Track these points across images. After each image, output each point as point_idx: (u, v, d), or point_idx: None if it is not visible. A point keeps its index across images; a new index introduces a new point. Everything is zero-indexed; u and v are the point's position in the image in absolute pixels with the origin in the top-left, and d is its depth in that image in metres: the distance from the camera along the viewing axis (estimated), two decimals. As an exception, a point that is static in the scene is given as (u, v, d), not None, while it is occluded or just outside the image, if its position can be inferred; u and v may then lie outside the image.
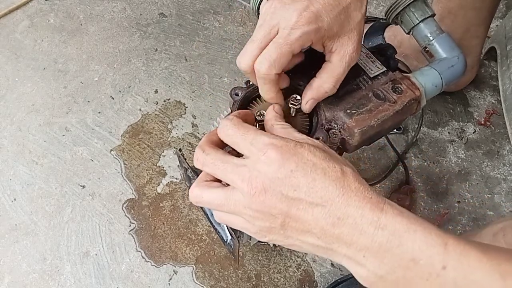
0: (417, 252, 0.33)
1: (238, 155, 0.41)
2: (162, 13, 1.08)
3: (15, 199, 0.82)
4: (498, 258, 0.33)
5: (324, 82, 0.47)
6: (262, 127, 0.49)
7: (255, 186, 0.37)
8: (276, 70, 0.44)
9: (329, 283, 0.74)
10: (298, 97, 0.50)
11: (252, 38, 0.45)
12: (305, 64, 0.53)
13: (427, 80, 0.53)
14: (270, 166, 0.36)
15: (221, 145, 0.43)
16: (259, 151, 0.37)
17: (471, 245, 0.34)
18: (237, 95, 0.51)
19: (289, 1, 0.43)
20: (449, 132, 0.91)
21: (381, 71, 0.53)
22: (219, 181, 0.42)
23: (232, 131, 0.41)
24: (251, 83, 0.53)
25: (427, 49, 0.57)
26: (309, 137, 0.41)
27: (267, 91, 0.46)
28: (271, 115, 0.45)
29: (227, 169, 0.39)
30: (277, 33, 0.43)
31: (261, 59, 0.44)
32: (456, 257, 0.33)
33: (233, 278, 0.75)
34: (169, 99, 0.95)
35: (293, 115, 0.51)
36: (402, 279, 0.34)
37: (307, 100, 0.48)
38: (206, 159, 0.41)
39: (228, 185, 0.40)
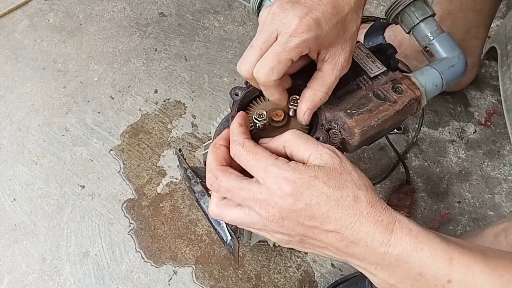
0: (423, 268, 0.36)
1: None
2: (162, 12, 1.08)
3: (14, 199, 0.82)
4: (500, 268, 0.35)
5: (316, 91, 0.47)
6: (262, 127, 0.49)
7: (272, 214, 0.39)
8: (275, 77, 0.44)
9: (329, 284, 0.74)
10: (298, 97, 0.50)
11: (251, 43, 0.45)
12: (306, 65, 0.52)
13: (428, 80, 0.53)
14: (285, 200, 0.38)
15: (229, 160, 0.44)
16: (273, 184, 0.39)
17: (475, 258, 0.36)
18: (237, 95, 0.51)
19: (288, 6, 0.43)
20: (449, 132, 0.91)
21: (381, 71, 0.52)
22: None
23: (244, 158, 0.42)
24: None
25: (428, 48, 0.57)
26: (329, 149, 0.41)
27: (271, 95, 0.47)
28: (237, 132, 0.44)
29: (244, 196, 0.40)
30: (276, 39, 0.43)
31: (259, 67, 0.44)
32: (460, 271, 0.36)
33: (233, 279, 0.75)
34: (169, 99, 0.95)
35: (292, 115, 0.51)
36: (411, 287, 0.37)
37: (304, 111, 0.48)
38: (220, 186, 0.42)
39: None
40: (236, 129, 0.44)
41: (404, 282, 0.37)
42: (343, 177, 0.40)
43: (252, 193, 0.40)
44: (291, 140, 0.43)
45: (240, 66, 0.45)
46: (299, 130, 0.50)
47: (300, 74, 0.52)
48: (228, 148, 0.44)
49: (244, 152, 0.42)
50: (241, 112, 0.47)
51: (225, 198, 0.43)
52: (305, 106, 0.47)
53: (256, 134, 0.50)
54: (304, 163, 0.40)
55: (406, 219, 0.38)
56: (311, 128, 0.51)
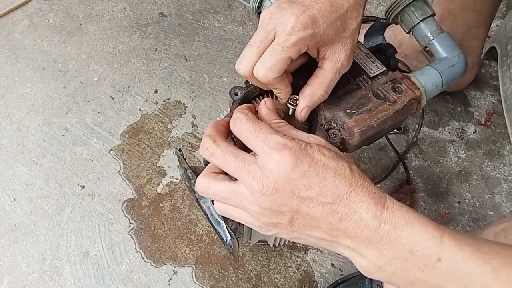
0: (414, 244, 0.36)
1: (245, 148, 0.41)
2: (162, 12, 1.08)
3: (14, 199, 0.82)
4: (490, 252, 0.35)
5: (316, 89, 0.47)
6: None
7: (266, 185, 0.37)
8: (274, 75, 0.44)
9: (329, 284, 0.74)
10: (297, 97, 0.50)
11: (250, 42, 0.45)
12: (305, 64, 0.52)
13: (428, 79, 0.53)
14: (284, 166, 0.37)
15: (227, 136, 0.44)
16: (272, 150, 0.38)
17: (466, 239, 0.36)
18: (236, 94, 0.51)
19: (286, 6, 0.44)
20: (449, 132, 0.91)
21: (381, 70, 0.52)
22: (227, 173, 0.42)
23: (245, 126, 0.41)
24: (250, 83, 0.52)
25: (428, 48, 0.56)
26: (310, 135, 0.42)
27: (276, 91, 0.48)
28: (265, 112, 0.45)
29: (238, 165, 0.39)
30: (274, 38, 0.43)
31: (258, 67, 0.44)
32: (451, 250, 0.36)
33: (233, 279, 0.75)
34: (169, 99, 0.95)
35: (292, 115, 0.51)
36: (399, 270, 0.37)
37: (302, 108, 0.48)
38: (216, 151, 0.41)
39: (235, 179, 0.40)
40: (239, 107, 0.44)
41: (393, 263, 0.36)
42: (335, 151, 0.40)
43: (247, 162, 0.39)
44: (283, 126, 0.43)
45: (238, 65, 0.46)
46: (299, 129, 0.50)
47: (300, 74, 0.52)
48: (228, 127, 0.44)
49: (246, 119, 0.41)
50: (250, 105, 0.47)
51: (216, 172, 0.42)
52: (303, 104, 0.48)
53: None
54: None
55: (394, 199, 0.38)
56: (311, 127, 0.51)
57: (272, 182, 0.37)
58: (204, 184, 0.42)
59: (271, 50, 0.43)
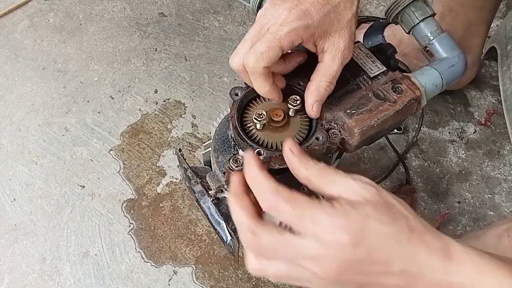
0: None
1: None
2: (162, 12, 1.08)
3: (14, 199, 0.82)
4: None
5: (320, 82, 0.47)
6: (262, 128, 0.49)
7: (329, 271, 0.35)
8: (263, 64, 0.44)
9: (329, 284, 0.74)
10: (297, 97, 0.50)
11: (244, 38, 0.46)
12: (305, 64, 0.52)
13: (428, 79, 0.53)
14: (345, 251, 0.34)
15: (256, 209, 0.38)
16: (328, 235, 0.34)
17: None
18: (236, 95, 0.51)
19: (279, 2, 0.45)
20: (449, 132, 0.91)
21: (381, 70, 0.52)
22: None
23: (283, 210, 0.36)
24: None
25: (427, 48, 0.57)
26: (357, 182, 0.37)
27: (259, 86, 0.46)
28: (293, 161, 0.39)
29: (292, 253, 0.35)
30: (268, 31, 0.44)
31: (248, 54, 0.44)
32: None
33: (233, 278, 0.75)
34: (169, 99, 0.95)
35: (292, 115, 0.51)
36: None
37: (311, 104, 0.48)
38: (261, 244, 0.37)
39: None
40: (258, 174, 0.38)
41: None
42: (390, 209, 0.36)
43: (302, 249, 0.35)
44: (316, 177, 0.38)
45: (231, 59, 0.46)
46: (298, 132, 0.50)
47: (300, 75, 0.52)
48: (248, 194, 0.39)
49: (283, 202, 0.36)
50: (251, 153, 0.41)
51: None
52: (311, 100, 0.47)
53: (256, 137, 0.50)
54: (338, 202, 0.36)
55: (453, 240, 0.36)
56: (311, 127, 0.51)
57: (336, 266, 0.34)
58: (258, 268, 0.39)
59: (263, 39, 0.44)
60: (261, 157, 0.47)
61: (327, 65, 0.46)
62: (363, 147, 0.54)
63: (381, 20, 0.94)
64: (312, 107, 0.48)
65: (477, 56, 0.88)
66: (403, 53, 0.85)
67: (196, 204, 0.67)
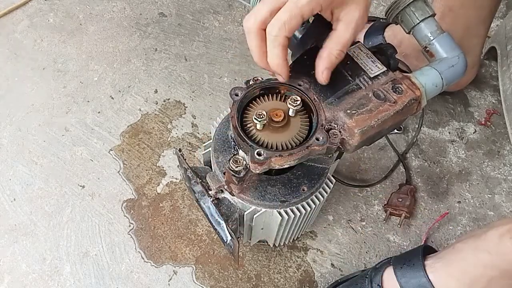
0: None
1: None
2: (162, 12, 1.08)
3: (14, 199, 0.82)
4: None
5: (332, 50, 0.48)
6: (262, 128, 0.49)
7: None
8: (286, 33, 0.45)
9: (329, 284, 0.74)
10: (297, 97, 0.50)
11: (263, 0, 0.46)
12: (305, 64, 0.53)
13: (428, 80, 0.53)
14: None
15: None
16: None
17: None
18: (237, 95, 0.51)
19: None
20: (449, 132, 0.91)
21: (381, 71, 0.52)
22: None
23: None
24: (251, 83, 0.52)
25: (428, 48, 0.57)
26: None
27: (275, 56, 0.47)
28: None
29: None
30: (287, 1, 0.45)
31: (273, 22, 0.45)
32: None
33: (233, 278, 0.75)
34: (168, 99, 0.95)
35: (292, 115, 0.51)
36: None
37: (322, 71, 0.49)
38: None
39: None
40: None
41: None
42: None
43: None
44: None
45: (248, 18, 0.47)
46: (298, 132, 0.50)
47: (300, 75, 0.52)
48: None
49: None
50: None
51: None
52: (322, 66, 0.48)
53: (256, 137, 0.50)
54: None
55: None
56: (311, 127, 0.51)
57: None
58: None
59: (286, 7, 0.45)
60: (261, 157, 0.47)
61: (340, 33, 0.47)
62: (363, 147, 0.54)
63: (381, 20, 0.94)
64: (322, 73, 0.49)
65: (477, 57, 0.88)
66: (404, 54, 0.85)
67: (196, 204, 0.67)
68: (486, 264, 0.55)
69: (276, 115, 0.50)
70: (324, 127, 0.49)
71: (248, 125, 0.50)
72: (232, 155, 0.54)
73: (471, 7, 0.78)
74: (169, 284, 0.75)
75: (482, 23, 0.81)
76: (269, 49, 0.47)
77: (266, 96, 0.52)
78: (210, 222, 0.62)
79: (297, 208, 0.58)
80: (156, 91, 0.96)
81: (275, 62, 0.47)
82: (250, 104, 0.52)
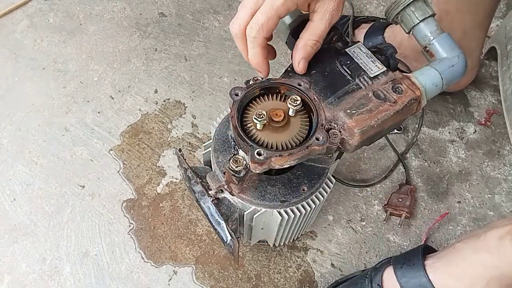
0: None
1: None
2: (161, 12, 1.08)
3: (14, 199, 0.82)
4: None
5: (307, 41, 0.50)
6: (262, 128, 0.49)
7: None
8: (264, 34, 0.48)
9: (329, 284, 0.74)
10: (297, 97, 0.50)
11: (242, 3, 0.49)
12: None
13: (428, 80, 0.53)
14: None
15: None
16: None
17: None
18: (236, 95, 0.51)
19: None
20: (449, 132, 0.91)
21: (381, 71, 0.52)
22: None
23: None
24: (251, 83, 0.52)
25: (427, 48, 0.56)
26: None
27: (254, 55, 0.50)
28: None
29: None
30: (264, 1, 0.48)
31: (251, 25, 0.49)
32: None
33: (233, 278, 0.75)
34: (168, 99, 0.95)
35: (292, 115, 0.51)
36: None
37: (298, 61, 0.51)
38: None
39: None
40: None
41: None
42: None
43: None
44: None
45: (232, 25, 0.51)
46: (298, 132, 0.50)
47: (300, 75, 0.52)
48: None
49: None
50: None
51: None
52: (298, 56, 0.51)
53: (256, 137, 0.50)
54: None
55: None
56: (311, 127, 0.51)
57: None
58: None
59: (262, 10, 0.48)
60: (261, 157, 0.47)
61: (315, 24, 0.50)
62: (363, 147, 0.54)
63: (381, 20, 0.94)
64: (299, 64, 0.51)
65: (476, 59, 0.88)
66: (403, 55, 0.85)
67: (196, 204, 0.67)
68: (486, 265, 0.55)
69: (276, 115, 0.50)
70: (324, 127, 0.49)
71: (248, 125, 0.50)
72: (232, 155, 0.54)
73: (466, 11, 0.78)
74: (169, 284, 0.75)
75: (479, 27, 0.81)
76: (249, 49, 0.50)
77: (266, 96, 0.52)
78: (210, 222, 0.62)
79: (297, 208, 0.58)
80: (156, 91, 0.96)
81: (255, 61, 0.51)
82: (250, 104, 0.52)
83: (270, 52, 0.53)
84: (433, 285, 0.58)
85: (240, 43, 0.51)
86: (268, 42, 0.51)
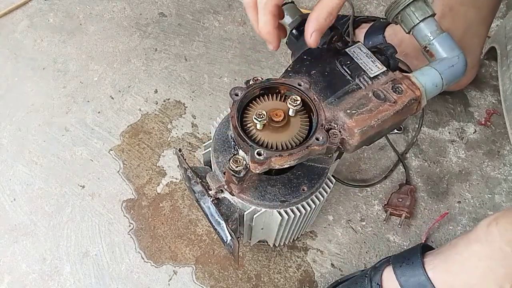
0: None
1: None
2: (161, 12, 1.08)
3: (14, 199, 0.82)
4: None
5: (321, 13, 0.49)
6: (262, 128, 0.49)
7: None
8: (275, 1, 0.47)
9: (329, 284, 0.74)
10: (297, 97, 0.50)
11: None
12: (305, 64, 0.53)
13: (428, 79, 0.53)
14: None
15: None
16: None
17: None
18: (237, 95, 0.51)
19: None
20: (449, 132, 0.91)
21: (381, 71, 0.52)
22: None
23: None
24: (251, 83, 0.52)
25: (427, 48, 0.56)
26: None
27: (265, 23, 0.49)
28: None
29: None
30: None
31: None
32: None
33: (233, 278, 0.75)
34: (168, 99, 0.95)
35: (292, 115, 0.51)
36: None
37: (310, 33, 0.49)
38: None
39: None
40: None
41: None
42: None
43: None
44: None
45: None
46: (298, 132, 0.50)
47: (300, 75, 0.52)
48: None
49: None
50: None
51: None
52: (311, 28, 0.49)
53: (256, 137, 0.50)
54: None
55: None
56: (310, 129, 0.51)
57: None
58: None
59: None
60: (261, 157, 0.47)
61: None
62: (363, 147, 0.54)
63: (381, 20, 0.94)
64: (311, 36, 0.50)
65: (476, 57, 0.88)
66: (404, 53, 0.85)
67: (196, 204, 0.67)
68: (480, 256, 0.55)
69: (276, 115, 0.50)
70: (324, 127, 0.49)
71: (248, 125, 0.50)
72: (232, 155, 0.54)
73: (471, 6, 0.78)
74: (169, 284, 0.75)
75: (482, 23, 0.81)
76: (259, 17, 0.49)
77: (266, 96, 0.52)
78: (210, 222, 0.62)
79: (297, 208, 0.58)
80: (156, 91, 0.96)
81: (265, 29, 0.49)
82: (250, 104, 0.52)
83: (281, 29, 0.52)
84: (432, 283, 0.58)
85: (251, 12, 0.50)
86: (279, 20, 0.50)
